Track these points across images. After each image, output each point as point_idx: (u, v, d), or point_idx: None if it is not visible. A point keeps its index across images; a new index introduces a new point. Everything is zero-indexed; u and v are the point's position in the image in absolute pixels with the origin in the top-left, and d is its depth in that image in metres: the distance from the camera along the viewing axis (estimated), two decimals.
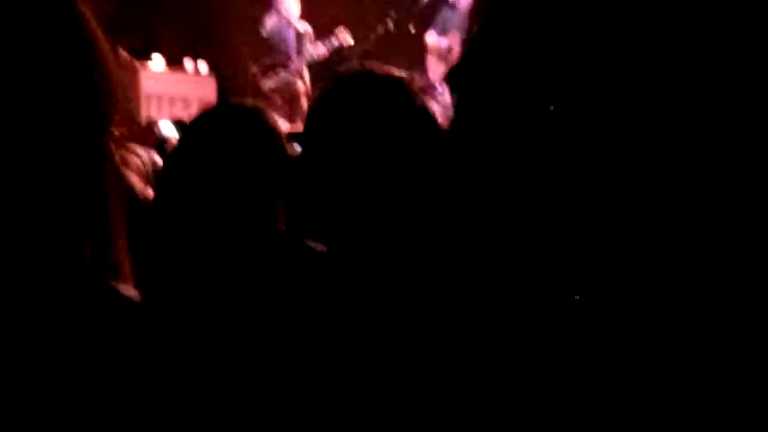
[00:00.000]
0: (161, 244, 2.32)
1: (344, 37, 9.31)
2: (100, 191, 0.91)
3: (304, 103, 9.46)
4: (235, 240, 2.04)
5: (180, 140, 2.19)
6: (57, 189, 0.86)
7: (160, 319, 0.96)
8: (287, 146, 2.20)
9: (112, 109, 0.92)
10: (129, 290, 0.92)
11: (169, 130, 5.08)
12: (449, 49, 9.22)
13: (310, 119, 1.37)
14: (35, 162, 0.85)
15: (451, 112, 1.08)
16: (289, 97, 9.30)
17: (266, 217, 2.08)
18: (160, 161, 3.31)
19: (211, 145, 2.04)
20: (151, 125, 5.25)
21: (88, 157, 0.89)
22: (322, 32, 9.44)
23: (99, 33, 0.91)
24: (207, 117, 2.15)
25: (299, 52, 9.40)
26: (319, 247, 2.11)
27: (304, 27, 9.46)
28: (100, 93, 0.90)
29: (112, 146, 0.93)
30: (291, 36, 9.42)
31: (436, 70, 9.25)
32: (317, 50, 9.35)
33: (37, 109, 0.85)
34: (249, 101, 2.19)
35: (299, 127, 6.97)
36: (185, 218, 2.13)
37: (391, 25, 9.68)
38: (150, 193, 2.68)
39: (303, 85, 9.44)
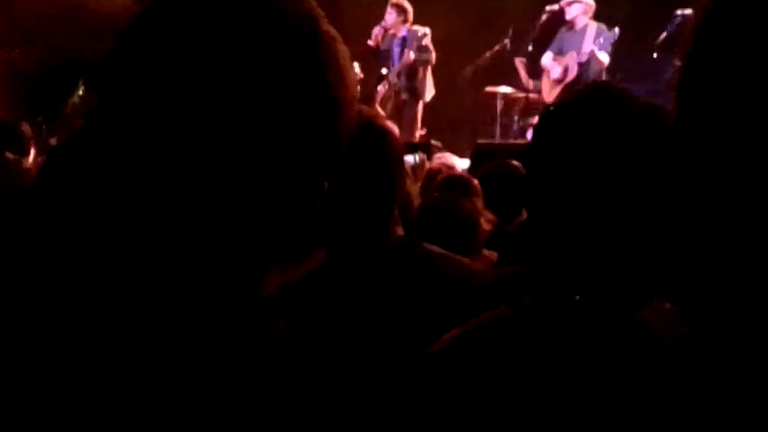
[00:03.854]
0: None
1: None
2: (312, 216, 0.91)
3: (417, 110, 9.39)
4: (354, 249, 2.04)
5: None
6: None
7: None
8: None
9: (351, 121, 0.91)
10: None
11: None
12: (565, 71, 9.11)
13: (543, 136, 1.34)
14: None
15: None
16: (393, 104, 9.28)
17: (383, 225, 2.07)
18: None
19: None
20: None
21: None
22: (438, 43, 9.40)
23: (343, 51, 0.89)
24: None
25: (401, 56, 9.38)
26: (435, 250, 2.12)
27: (420, 30, 9.31)
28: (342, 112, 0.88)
29: None
30: (396, 44, 9.41)
31: (550, 92, 9.15)
32: (408, 56, 9.28)
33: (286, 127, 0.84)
34: (376, 119, 2.17)
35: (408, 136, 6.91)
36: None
37: (507, 42, 9.63)
38: None
39: (407, 93, 9.35)
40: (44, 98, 9.22)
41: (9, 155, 3.90)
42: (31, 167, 3.86)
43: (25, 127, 4.79)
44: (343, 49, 0.88)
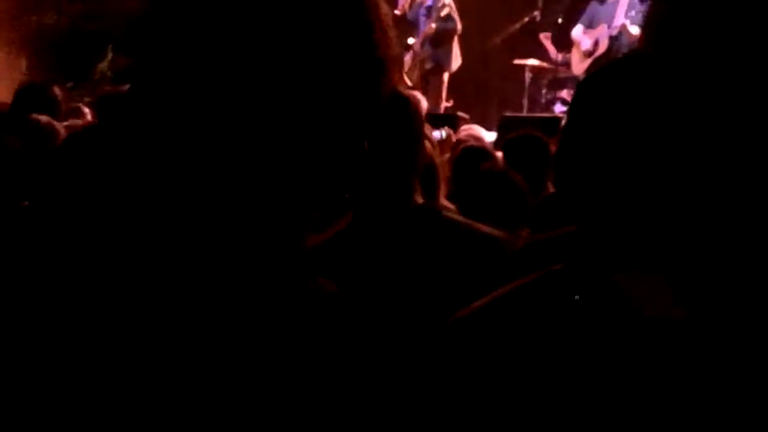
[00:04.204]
0: None
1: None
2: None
3: (442, 80, 9.33)
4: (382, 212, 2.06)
5: None
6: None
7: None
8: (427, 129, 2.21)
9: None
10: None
11: None
12: (595, 44, 9.04)
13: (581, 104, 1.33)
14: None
15: None
16: (419, 74, 9.23)
17: (404, 191, 2.09)
18: None
19: None
20: None
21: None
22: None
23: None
24: None
25: (426, 25, 9.30)
26: (456, 216, 2.14)
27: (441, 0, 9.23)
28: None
29: None
30: (421, 13, 9.35)
31: (579, 65, 9.08)
32: (429, 26, 9.22)
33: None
34: (399, 87, 2.18)
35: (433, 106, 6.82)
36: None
37: (537, 14, 9.56)
38: None
39: (431, 62, 9.28)
40: (74, 63, 9.28)
41: (37, 116, 3.96)
42: (60, 129, 3.91)
43: (56, 90, 4.84)
44: (386, 10, 0.90)
